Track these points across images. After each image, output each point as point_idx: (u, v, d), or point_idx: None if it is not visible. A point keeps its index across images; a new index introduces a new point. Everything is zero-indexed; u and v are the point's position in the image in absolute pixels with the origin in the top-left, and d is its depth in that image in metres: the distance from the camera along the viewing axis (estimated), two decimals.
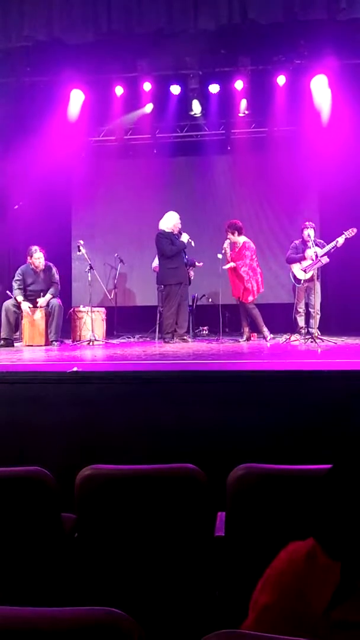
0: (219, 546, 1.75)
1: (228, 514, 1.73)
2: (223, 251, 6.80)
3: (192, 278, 7.12)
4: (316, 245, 6.54)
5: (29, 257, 6.68)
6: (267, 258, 8.48)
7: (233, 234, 6.74)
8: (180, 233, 6.83)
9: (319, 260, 6.42)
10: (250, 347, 6.00)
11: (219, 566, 1.74)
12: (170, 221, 6.82)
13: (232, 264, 6.70)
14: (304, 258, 6.81)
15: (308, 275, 6.74)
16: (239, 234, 6.76)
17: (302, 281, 6.88)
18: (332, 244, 6.47)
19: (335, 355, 4.85)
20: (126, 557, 1.74)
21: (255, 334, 6.90)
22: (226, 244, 6.80)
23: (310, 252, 6.64)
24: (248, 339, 6.71)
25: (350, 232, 6.41)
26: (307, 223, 6.91)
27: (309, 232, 6.68)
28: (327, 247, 6.50)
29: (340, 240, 6.43)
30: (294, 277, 6.95)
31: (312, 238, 6.58)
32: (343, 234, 6.43)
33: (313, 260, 6.51)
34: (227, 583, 1.71)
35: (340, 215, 7.79)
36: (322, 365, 3.99)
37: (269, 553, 1.13)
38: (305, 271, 6.73)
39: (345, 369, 3.46)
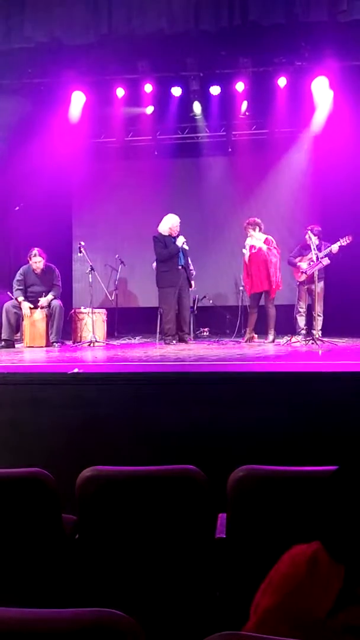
0: (220, 548, 1.74)
1: (229, 515, 1.72)
2: (247, 247, 6.81)
3: (192, 277, 7.03)
4: (317, 248, 6.59)
5: (29, 259, 6.69)
6: None
7: (254, 229, 6.74)
8: (177, 236, 6.82)
9: (320, 262, 6.44)
10: (252, 348, 6.00)
11: (220, 568, 1.73)
12: (166, 224, 6.83)
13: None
14: (301, 261, 6.88)
15: (303, 277, 6.81)
16: (260, 229, 6.76)
17: (299, 282, 6.95)
18: (327, 250, 6.56)
19: (336, 356, 4.85)
20: (127, 559, 1.73)
21: (256, 336, 6.89)
22: (248, 241, 6.80)
23: (308, 258, 6.72)
24: (249, 340, 6.71)
25: (345, 240, 6.54)
26: (309, 227, 6.95)
27: (310, 235, 6.73)
28: (322, 253, 6.55)
29: (335, 247, 6.57)
30: (294, 278, 7.04)
31: (314, 241, 6.60)
32: (338, 241, 6.53)
33: (313, 262, 6.54)
34: (228, 585, 1.71)
35: (342, 216, 7.80)
36: (323, 367, 3.98)
37: (270, 555, 1.13)
38: (305, 272, 6.75)
39: (346, 371, 3.45)
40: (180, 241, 6.75)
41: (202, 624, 1.65)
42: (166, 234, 6.78)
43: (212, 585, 1.73)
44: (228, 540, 1.73)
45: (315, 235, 6.72)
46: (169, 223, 6.83)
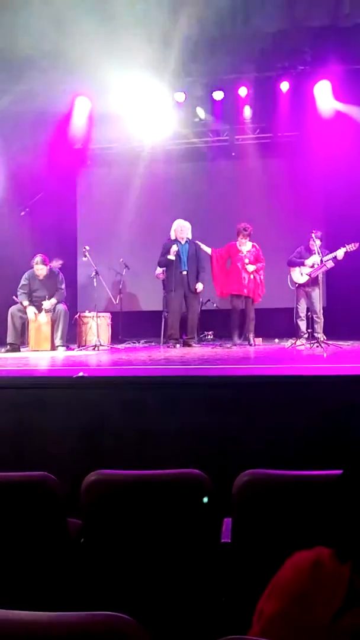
0: (225, 553, 1.74)
1: (234, 520, 1.72)
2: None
3: (198, 289, 7.04)
4: (320, 254, 6.62)
5: (32, 265, 6.71)
6: (271, 263, 8.45)
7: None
8: (185, 240, 6.89)
9: (324, 265, 6.44)
10: (256, 351, 5.99)
11: (225, 573, 1.73)
12: (172, 228, 7.03)
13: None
14: (303, 264, 6.89)
15: (303, 280, 6.83)
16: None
17: (297, 285, 6.93)
18: (331, 255, 6.50)
19: (341, 359, 4.84)
20: (132, 563, 1.73)
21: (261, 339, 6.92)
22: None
23: (310, 261, 6.76)
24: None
25: (352, 247, 6.44)
26: (314, 232, 6.95)
27: (314, 239, 6.77)
28: (327, 257, 6.52)
29: (340, 253, 6.48)
30: (291, 280, 7.02)
31: (318, 247, 6.59)
32: (345, 247, 6.47)
33: (318, 265, 6.55)
34: (234, 590, 1.71)
35: (345, 220, 7.79)
36: (328, 370, 3.98)
37: (275, 559, 1.13)
38: (310, 275, 6.75)
39: (352, 374, 3.45)
40: (173, 250, 6.82)
41: (207, 629, 1.65)
42: (173, 237, 6.87)
43: (217, 590, 1.72)
44: (233, 545, 1.73)
45: (318, 238, 6.74)
46: (173, 227, 6.97)
